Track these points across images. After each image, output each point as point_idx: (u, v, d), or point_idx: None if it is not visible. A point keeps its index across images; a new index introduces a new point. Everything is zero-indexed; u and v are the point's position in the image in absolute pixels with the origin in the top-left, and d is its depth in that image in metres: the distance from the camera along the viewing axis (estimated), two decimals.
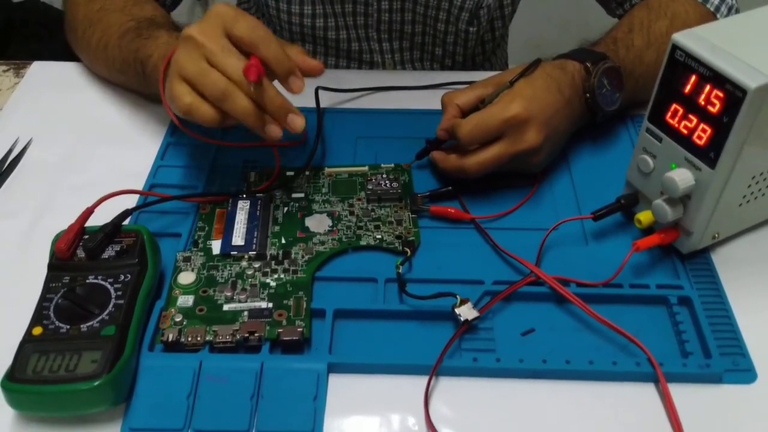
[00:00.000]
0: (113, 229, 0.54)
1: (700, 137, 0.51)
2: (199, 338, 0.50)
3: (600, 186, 0.63)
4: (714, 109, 0.49)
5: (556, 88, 0.60)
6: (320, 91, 0.71)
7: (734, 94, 0.48)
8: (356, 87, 0.74)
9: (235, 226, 0.58)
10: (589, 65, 0.62)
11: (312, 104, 0.70)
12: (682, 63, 0.51)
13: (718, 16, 0.71)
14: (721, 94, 0.48)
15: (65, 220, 0.54)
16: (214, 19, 0.55)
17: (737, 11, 0.72)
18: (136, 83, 0.70)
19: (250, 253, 0.56)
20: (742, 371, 0.50)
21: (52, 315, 0.48)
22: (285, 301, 0.53)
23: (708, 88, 0.49)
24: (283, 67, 0.55)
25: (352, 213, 0.61)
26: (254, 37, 0.54)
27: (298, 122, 0.56)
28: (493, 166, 0.59)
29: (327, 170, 0.65)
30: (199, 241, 0.58)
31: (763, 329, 0.53)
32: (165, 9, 0.78)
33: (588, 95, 0.62)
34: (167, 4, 0.81)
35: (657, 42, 0.66)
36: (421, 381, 0.49)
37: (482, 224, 0.60)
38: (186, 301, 0.53)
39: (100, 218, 0.54)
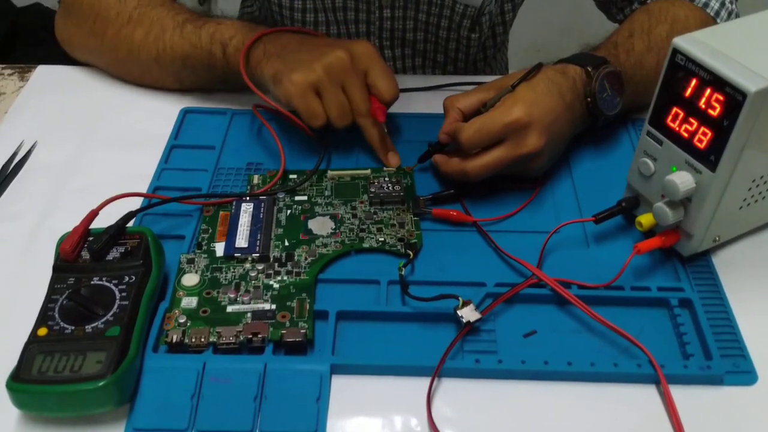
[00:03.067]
0: (118, 230, 0.54)
1: (700, 140, 0.51)
2: (202, 339, 0.50)
3: (601, 189, 0.63)
4: (714, 113, 0.49)
5: (558, 92, 0.60)
6: None
7: (734, 98, 0.48)
8: None
9: (239, 228, 0.59)
10: (590, 69, 0.62)
11: None
12: (682, 67, 0.51)
13: (717, 20, 0.71)
14: (721, 98, 0.49)
15: (70, 221, 0.54)
16: (365, 56, 0.63)
17: (737, 16, 0.73)
18: (204, 69, 0.70)
19: (253, 255, 0.57)
20: (742, 373, 0.50)
21: (57, 316, 0.49)
22: (288, 303, 0.53)
23: (708, 91, 0.50)
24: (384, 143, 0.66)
25: (354, 215, 0.61)
26: (387, 94, 0.64)
27: (394, 160, 0.66)
28: (495, 169, 0.60)
29: (330, 173, 0.65)
30: (203, 243, 0.58)
31: (763, 331, 0.53)
32: None
33: (589, 99, 0.62)
34: None
35: (657, 46, 0.67)
36: (424, 382, 0.49)
37: (484, 227, 0.60)
38: (190, 302, 0.53)
39: (104, 220, 0.55)
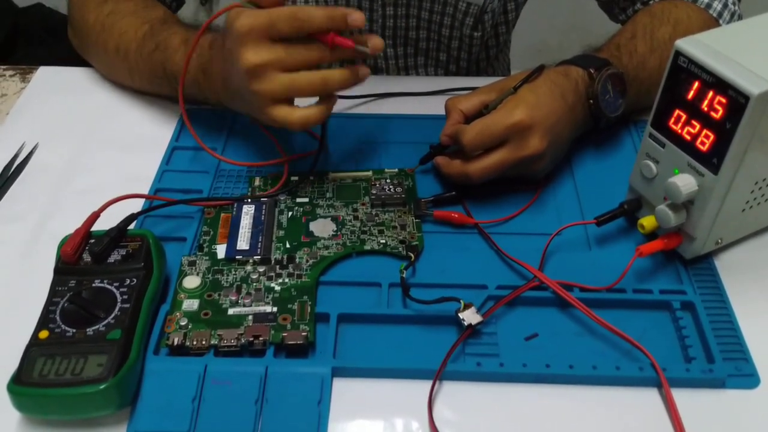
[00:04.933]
0: (119, 233, 0.54)
1: (703, 143, 0.51)
2: (204, 342, 0.50)
3: (603, 191, 0.63)
4: (717, 115, 0.49)
5: (560, 94, 0.60)
6: None
7: (737, 101, 0.48)
8: (360, 93, 0.74)
9: (240, 230, 0.59)
10: (592, 71, 0.62)
11: None
12: (685, 69, 0.51)
13: (720, 22, 0.71)
14: (723, 100, 0.49)
15: (71, 224, 0.54)
16: (252, 37, 0.56)
17: (740, 17, 0.73)
18: (172, 91, 0.69)
19: (254, 257, 0.57)
20: (745, 376, 0.50)
21: (58, 319, 0.49)
22: (289, 306, 0.53)
23: (711, 94, 0.49)
24: (336, 22, 0.56)
25: (356, 218, 0.61)
26: (296, 26, 0.55)
27: (376, 43, 0.57)
28: (497, 171, 0.59)
29: (331, 175, 0.65)
30: (204, 246, 0.58)
31: (766, 334, 0.53)
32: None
33: (591, 101, 0.62)
34: (173, 8, 0.81)
35: (660, 48, 0.66)
36: (425, 385, 0.49)
37: (486, 229, 0.60)
38: (191, 305, 0.53)
39: (105, 222, 0.55)
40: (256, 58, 0.56)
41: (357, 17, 0.56)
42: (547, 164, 0.61)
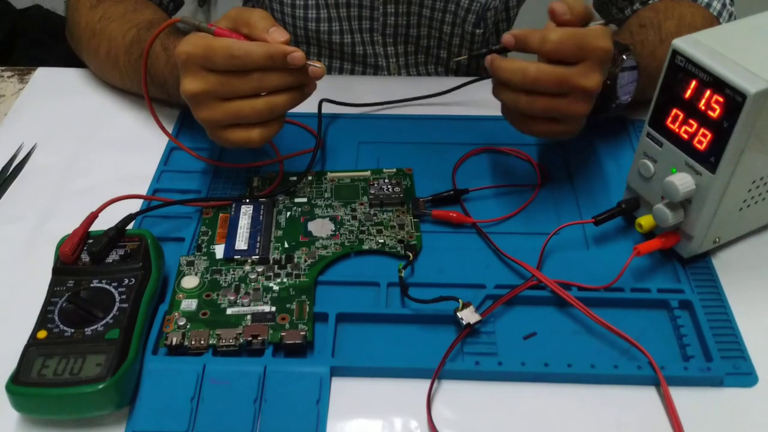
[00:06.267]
0: (117, 233, 0.54)
1: (700, 142, 0.51)
2: (202, 342, 0.50)
3: (601, 190, 0.63)
4: (714, 114, 0.49)
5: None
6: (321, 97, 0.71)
7: (734, 99, 0.48)
8: (359, 92, 0.74)
9: (239, 230, 0.59)
10: (615, 53, 0.60)
11: (313, 110, 0.70)
12: (682, 68, 0.51)
13: (720, 20, 0.71)
14: (721, 99, 0.49)
15: (69, 224, 0.54)
16: (189, 66, 0.54)
17: (734, 18, 0.73)
18: (161, 96, 0.68)
19: (253, 257, 0.57)
20: (743, 374, 0.50)
21: (56, 318, 0.49)
22: (288, 305, 0.53)
23: (708, 93, 0.50)
24: (275, 62, 0.54)
25: (354, 217, 0.61)
26: (231, 62, 0.53)
27: (315, 70, 0.55)
28: (555, 86, 0.55)
29: (329, 175, 0.65)
30: (203, 246, 0.58)
31: (763, 333, 0.53)
32: (167, 14, 0.79)
33: (608, 82, 0.61)
34: (170, 9, 0.81)
35: (668, 39, 0.65)
36: (424, 384, 0.49)
37: (484, 228, 0.60)
38: (189, 304, 0.53)
39: (104, 223, 0.55)
40: (193, 86, 0.54)
41: (297, 56, 0.53)
42: (579, 127, 0.58)
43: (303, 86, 0.57)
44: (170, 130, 0.70)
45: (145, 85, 0.61)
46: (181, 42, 0.54)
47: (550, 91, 0.55)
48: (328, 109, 0.72)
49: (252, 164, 0.66)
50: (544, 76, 0.54)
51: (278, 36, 0.54)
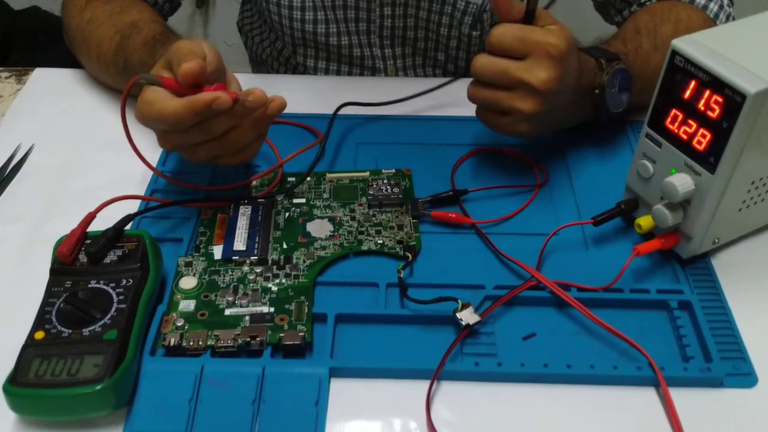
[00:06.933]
0: (115, 233, 0.54)
1: (699, 142, 0.51)
2: (200, 343, 0.50)
3: (600, 191, 0.63)
4: (713, 115, 0.49)
5: (579, 71, 0.59)
6: (325, 101, 0.71)
7: (733, 100, 0.48)
8: (359, 92, 0.74)
9: (237, 231, 0.59)
10: (603, 62, 0.61)
11: (313, 110, 0.70)
12: (681, 68, 0.51)
13: (717, 23, 0.71)
14: (720, 100, 0.49)
15: (67, 225, 0.54)
16: (152, 130, 0.57)
17: (733, 19, 0.73)
18: None
19: (251, 258, 0.56)
20: (742, 375, 0.50)
21: (54, 319, 0.49)
22: (286, 306, 0.53)
23: (707, 93, 0.50)
24: (200, 116, 0.54)
25: (353, 218, 0.61)
26: (175, 123, 0.53)
27: (256, 95, 0.54)
28: (492, 75, 0.57)
29: (328, 176, 0.65)
30: (201, 246, 0.58)
31: (763, 333, 0.53)
32: (162, 15, 0.79)
33: (597, 92, 0.62)
34: (165, 10, 0.81)
35: (663, 45, 0.66)
36: (423, 385, 0.49)
37: (483, 229, 0.60)
38: (188, 305, 0.53)
39: (102, 223, 0.54)
40: (163, 145, 0.58)
41: (221, 102, 0.52)
42: (531, 122, 0.59)
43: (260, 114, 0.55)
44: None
45: (126, 130, 0.59)
46: (138, 99, 0.55)
47: (494, 82, 0.58)
48: (327, 109, 0.71)
49: (250, 179, 0.64)
50: (485, 67, 0.58)
51: (187, 75, 0.53)
